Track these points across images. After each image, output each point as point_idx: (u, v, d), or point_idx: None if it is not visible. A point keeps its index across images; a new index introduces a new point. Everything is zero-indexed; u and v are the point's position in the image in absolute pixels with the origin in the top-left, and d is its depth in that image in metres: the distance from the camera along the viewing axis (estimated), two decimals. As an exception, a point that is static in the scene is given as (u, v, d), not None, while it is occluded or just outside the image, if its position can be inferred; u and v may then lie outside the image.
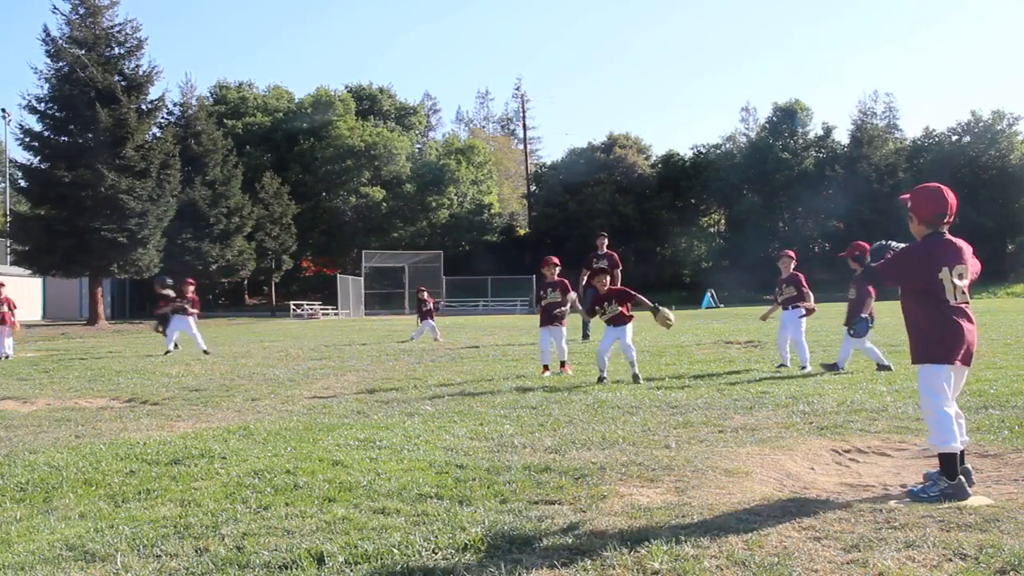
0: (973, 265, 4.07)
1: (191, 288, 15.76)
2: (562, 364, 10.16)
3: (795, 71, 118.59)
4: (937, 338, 3.97)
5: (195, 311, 15.53)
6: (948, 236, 4.07)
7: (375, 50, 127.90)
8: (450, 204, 65.35)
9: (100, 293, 35.83)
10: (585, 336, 15.28)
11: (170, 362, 13.13)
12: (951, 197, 4.07)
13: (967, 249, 4.07)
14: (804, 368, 9.56)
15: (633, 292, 9.49)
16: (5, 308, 15.17)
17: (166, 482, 4.54)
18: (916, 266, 4.04)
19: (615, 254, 14.92)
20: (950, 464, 3.81)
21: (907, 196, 4.19)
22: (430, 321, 18.60)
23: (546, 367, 10.10)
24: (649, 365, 10.49)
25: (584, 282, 14.04)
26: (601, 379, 8.97)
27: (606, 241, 15.05)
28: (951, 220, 4.07)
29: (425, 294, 19.16)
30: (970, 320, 3.99)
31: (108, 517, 3.86)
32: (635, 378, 8.82)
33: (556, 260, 10.72)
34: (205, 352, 14.64)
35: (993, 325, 16.46)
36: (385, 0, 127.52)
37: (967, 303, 4.02)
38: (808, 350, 9.90)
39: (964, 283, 4.00)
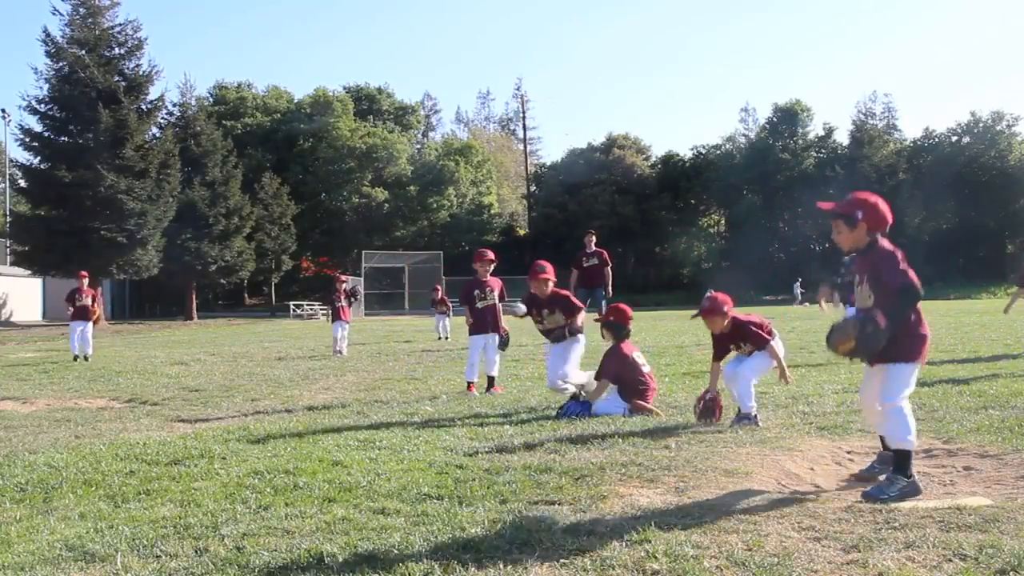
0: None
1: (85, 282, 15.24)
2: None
3: (795, 71, 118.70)
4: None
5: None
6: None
7: (375, 50, 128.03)
8: (450, 205, 65.35)
9: (100, 293, 35.85)
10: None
11: (169, 362, 13.13)
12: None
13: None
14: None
15: (574, 302, 7.39)
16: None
17: (166, 482, 4.54)
18: None
19: (605, 252, 14.88)
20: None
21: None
22: (446, 318, 19.25)
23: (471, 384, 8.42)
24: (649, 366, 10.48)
25: (575, 282, 14.01)
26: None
27: (594, 239, 15.02)
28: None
29: (439, 293, 20.45)
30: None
31: (108, 517, 3.86)
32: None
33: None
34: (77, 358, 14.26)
35: (993, 325, 16.46)
36: (385, 0, 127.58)
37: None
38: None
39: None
